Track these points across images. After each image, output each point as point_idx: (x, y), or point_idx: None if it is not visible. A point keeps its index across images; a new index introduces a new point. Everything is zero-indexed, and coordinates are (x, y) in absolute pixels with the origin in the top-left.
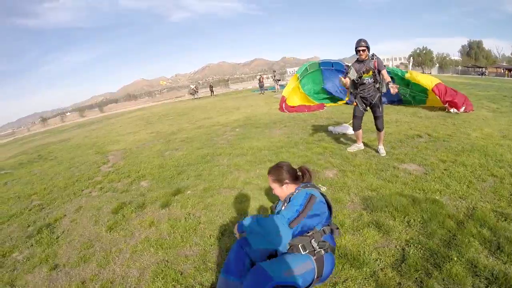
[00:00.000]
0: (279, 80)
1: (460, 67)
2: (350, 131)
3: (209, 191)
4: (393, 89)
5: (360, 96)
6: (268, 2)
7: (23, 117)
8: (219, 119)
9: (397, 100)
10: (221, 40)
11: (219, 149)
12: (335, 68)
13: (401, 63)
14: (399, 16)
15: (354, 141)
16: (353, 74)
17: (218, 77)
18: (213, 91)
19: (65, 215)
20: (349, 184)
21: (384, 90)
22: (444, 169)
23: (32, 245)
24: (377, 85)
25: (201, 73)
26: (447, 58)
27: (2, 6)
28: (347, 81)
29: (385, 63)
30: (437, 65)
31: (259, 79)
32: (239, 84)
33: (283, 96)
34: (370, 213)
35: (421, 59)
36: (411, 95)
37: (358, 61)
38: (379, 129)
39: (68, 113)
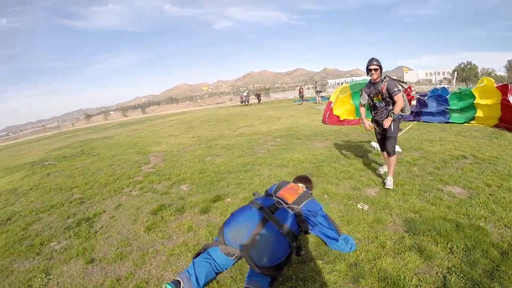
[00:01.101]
0: (320, 91)
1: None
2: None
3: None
4: (386, 121)
5: (374, 120)
6: (310, 13)
7: (69, 112)
8: (260, 127)
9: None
10: (263, 49)
11: (260, 159)
12: None
13: (444, 78)
14: (442, 29)
15: (398, 158)
16: (364, 99)
17: (259, 85)
18: (260, 99)
19: (104, 211)
20: (391, 204)
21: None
22: (490, 194)
23: (70, 236)
24: (390, 108)
25: (243, 81)
26: (492, 74)
27: (53, 9)
28: (362, 110)
29: (428, 77)
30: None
31: (299, 90)
32: (279, 94)
33: (329, 102)
34: (412, 236)
35: (465, 74)
36: (460, 112)
37: (370, 82)
38: (388, 153)
39: (112, 112)
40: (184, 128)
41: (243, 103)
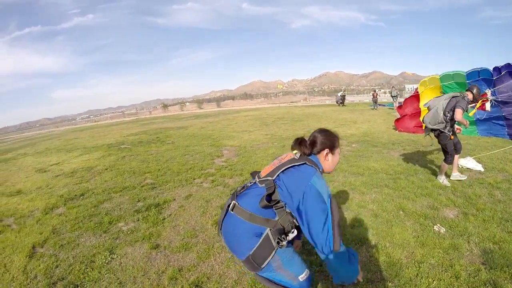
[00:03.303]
0: (397, 96)
1: None
2: (475, 165)
3: None
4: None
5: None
6: (388, 14)
7: (147, 100)
8: (335, 130)
9: None
10: (340, 50)
11: None
12: (482, 77)
13: None
14: None
15: (479, 179)
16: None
17: (334, 86)
18: (344, 101)
19: (174, 199)
20: (470, 231)
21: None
22: None
23: (138, 219)
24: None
25: (318, 81)
26: None
27: (137, 6)
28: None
29: None
30: None
31: (373, 94)
32: (355, 96)
33: (415, 94)
34: (488, 270)
35: None
36: None
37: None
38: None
39: (188, 103)
40: (257, 124)
41: (337, 103)
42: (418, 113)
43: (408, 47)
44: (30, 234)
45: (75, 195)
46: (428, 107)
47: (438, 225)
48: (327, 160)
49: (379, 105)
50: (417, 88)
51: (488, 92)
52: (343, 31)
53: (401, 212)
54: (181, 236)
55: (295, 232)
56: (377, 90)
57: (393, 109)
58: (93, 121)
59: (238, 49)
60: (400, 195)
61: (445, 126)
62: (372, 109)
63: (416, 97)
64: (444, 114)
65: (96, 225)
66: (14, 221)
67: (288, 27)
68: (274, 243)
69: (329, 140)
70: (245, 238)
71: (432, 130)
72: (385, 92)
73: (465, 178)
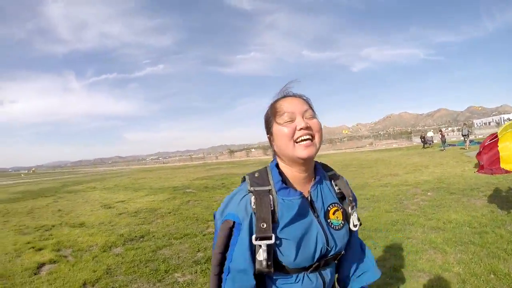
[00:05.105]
0: (467, 135)
1: None
2: None
3: (399, 271)
4: None
5: None
6: (446, 46)
7: (214, 146)
8: (407, 177)
9: None
10: (402, 89)
11: (411, 217)
12: None
13: None
14: None
15: None
16: None
17: (400, 128)
18: (425, 142)
19: None
20: None
21: None
22: None
23: (196, 271)
24: None
25: (382, 124)
26: None
27: (203, 57)
28: None
29: None
30: None
31: (441, 134)
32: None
33: (494, 135)
34: None
35: None
36: None
37: None
38: None
39: (253, 150)
40: None
41: (426, 144)
42: (497, 159)
43: (472, 79)
44: (83, 270)
45: (135, 236)
46: None
47: None
48: (274, 144)
49: (449, 145)
50: (495, 133)
51: None
52: (403, 70)
53: (492, 276)
54: None
55: None
56: (443, 129)
57: (464, 148)
58: (162, 163)
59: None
60: (489, 253)
61: None
62: (441, 150)
63: (494, 142)
64: None
65: (152, 272)
66: (71, 253)
67: (348, 70)
68: None
69: (264, 118)
70: None
71: None
72: (453, 130)
73: None
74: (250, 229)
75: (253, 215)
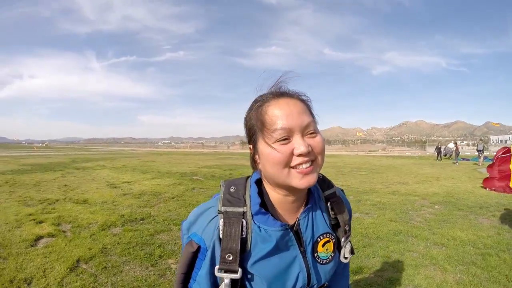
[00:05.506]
0: (482, 151)
1: None
2: None
3: (395, 284)
4: None
5: None
6: (471, 57)
7: (227, 135)
8: (416, 187)
9: None
10: (421, 97)
11: (415, 229)
12: None
13: None
14: None
15: None
16: None
17: (415, 136)
18: (440, 153)
19: None
20: None
21: None
22: None
23: None
24: None
25: (397, 130)
26: None
27: (225, 47)
28: None
29: None
30: None
31: (455, 146)
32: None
33: (508, 149)
34: None
35: None
36: None
37: None
38: None
39: None
40: (333, 173)
41: (444, 155)
42: (508, 175)
43: (493, 94)
44: (79, 247)
45: (136, 218)
46: None
47: None
48: (258, 162)
49: (462, 159)
50: (509, 148)
51: None
52: (423, 77)
53: None
54: None
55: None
56: (458, 142)
57: (477, 164)
58: (174, 147)
59: (318, 92)
60: (490, 278)
61: None
62: (454, 163)
63: (507, 158)
64: None
65: (146, 255)
66: (70, 228)
67: (368, 72)
68: None
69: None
70: None
71: None
72: (468, 144)
73: None
74: (215, 258)
75: (219, 242)
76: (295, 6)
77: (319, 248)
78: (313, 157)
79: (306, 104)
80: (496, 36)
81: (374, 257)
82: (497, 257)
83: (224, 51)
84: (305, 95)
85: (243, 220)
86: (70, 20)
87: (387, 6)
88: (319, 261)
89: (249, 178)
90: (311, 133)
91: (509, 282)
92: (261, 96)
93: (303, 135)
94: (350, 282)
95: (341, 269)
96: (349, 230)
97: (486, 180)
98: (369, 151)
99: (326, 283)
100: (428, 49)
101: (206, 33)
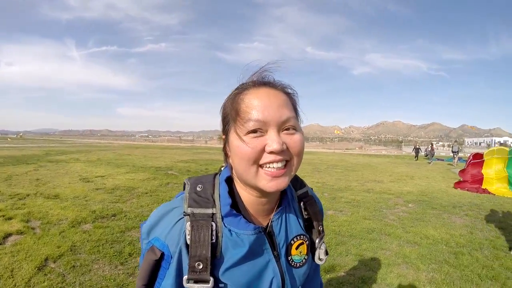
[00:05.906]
0: (457, 152)
1: None
2: None
3: (367, 283)
4: None
5: None
6: (451, 63)
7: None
8: (390, 186)
9: None
10: (399, 99)
11: (389, 227)
12: None
13: None
14: None
15: None
16: None
17: (392, 136)
18: (418, 154)
19: None
20: None
21: None
22: None
23: None
24: None
25: (375, 129)
26: None
27: (207, 40)
28: None
29: None
30: None
31: (431, 147)
32: (412, 148)
33: (479, 155)
34: None
35: None
36: None
37: None
38: None
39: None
40: (309, 170)
41: (425, 156)
42: (480, 179)
43: (470, 98)
44: (48, 245)
45: (107, 214)
46: None
47: None
48: (229, 156)
49: (437, 159)
50: (480, 154)
51: None
52: (403, 80)
53: None
54: None
55: None
56: (434, 143)
57: (451, 164)
58: (151, 141)
59: (298, 90)
60: (462, 276)
61: None
62: (428, 163)
63: (479, 163)
64: None
65: (116, 254)
66: (40, 225)
67: (350, 73)
68: None
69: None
70: None
71: None
72: (443, 145)
73: None
74: (182, 266)
75: (186, 249)
76: (280, 2)
77: (293, 251)
78: (288, 157)
79: (290, 97)
80: (476, 44)
81: (347, 255)
82: (469, 256)
83: (205, 45)
84: (291, 88)
85: (213, 223)
86: (50, 5)
87: (372, 10)
88: (293, 264)
89: (218, 176)
90: (288, 129)
91: (481, 280)
92: (242, 84)
93: (279, 130)
94: (323, 281)
95: (313, 270)
96: (323, 231)
97: (458, 182)
98: (346, 149)
99: (300, 286)
100: (410, 52)
101: (189, 25)
